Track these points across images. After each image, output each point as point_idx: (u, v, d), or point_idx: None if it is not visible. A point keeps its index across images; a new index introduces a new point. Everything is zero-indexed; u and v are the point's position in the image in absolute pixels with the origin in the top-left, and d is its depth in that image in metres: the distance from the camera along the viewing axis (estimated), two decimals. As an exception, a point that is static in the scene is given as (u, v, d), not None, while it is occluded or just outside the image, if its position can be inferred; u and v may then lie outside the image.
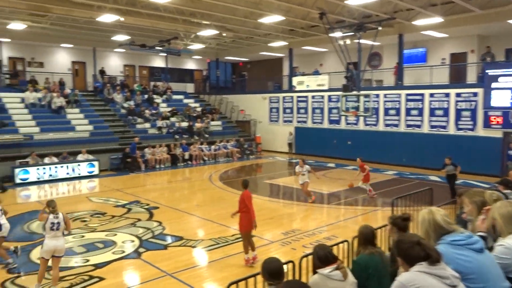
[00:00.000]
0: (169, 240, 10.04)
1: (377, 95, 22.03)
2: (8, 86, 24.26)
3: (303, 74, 27.23)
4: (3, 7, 17.72)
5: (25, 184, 17.28)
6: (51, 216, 7.14)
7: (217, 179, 18.40)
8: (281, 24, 21.94)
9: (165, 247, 9.55)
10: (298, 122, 26.66)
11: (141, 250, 9.28)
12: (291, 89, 26.33)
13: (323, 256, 3.95)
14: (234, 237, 9.95)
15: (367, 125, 22.95)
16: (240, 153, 25.09)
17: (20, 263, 8.52)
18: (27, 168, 17.59)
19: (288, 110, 27.32)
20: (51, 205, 7.24)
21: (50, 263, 7.29)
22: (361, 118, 22.79)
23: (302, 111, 26.44)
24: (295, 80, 25.37)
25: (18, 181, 17.20)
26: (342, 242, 6.57)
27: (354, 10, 18.73)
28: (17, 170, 17.32)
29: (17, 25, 20.60)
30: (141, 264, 8.53)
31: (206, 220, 11.86)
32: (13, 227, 10.93)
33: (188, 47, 26.63)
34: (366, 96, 18.48)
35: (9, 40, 24.49)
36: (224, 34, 24.04)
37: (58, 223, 7.15)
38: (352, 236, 6.57)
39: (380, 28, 18.18)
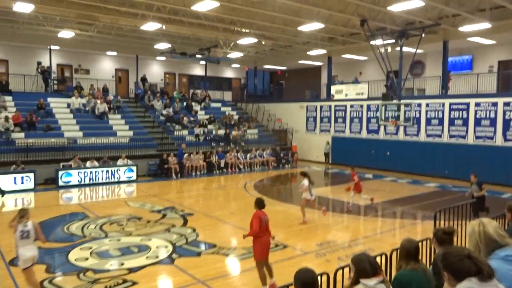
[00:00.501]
0: (202, 247, 10.01)
1: (419, 104, 21.30)
2: (55, 92, 25.39)
3: (342, 83, 26.83)
4: (54, 16, 18.58)
5: (67, 186, 17.87)
6: (20, 225, 6.99)
7: (251, 188, 18.32)
8: (320, 32, 21.74)
9: (198, 254, 9.53)
10: (336, 131, 26.24)
11: (174, 256, 9.29)
12: (329, 97, 25.99)
13: (370, 264, 3.56)
14: (267, 247, 9.79)
15: (407, 135, 22.21)
16: (275, 162, 24.94)
17: (58, 263, 8.73)
18: (69, 171, 18.21)
19: (325, 119, 26.95)
20: (20, 214, 7.04)
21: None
22: (401, 128, 22.10)
23: (340, 120, 26.00)
24: (333, 88, 25.04)
25: (61, 183, 17.82)
26: (379, 255, 6.27)
27: (396, 17, 18.27)
28: (60, 173, 17.96)
29: (66, 33, 21.53)
30: (174, 270, 8.52)
31: (239, 228, 11.75)
32: (53, 228, 11.34)
33: (227, 56, 26.91)
34: (407, 105, 17.90)
35: (58, 47, 25.65)
36: (263, 42, 24.13)
37: (28, 231, 6.97)
38: (389, 249, 6.28)
39: (423, 35, 17.62)
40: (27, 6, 16.15)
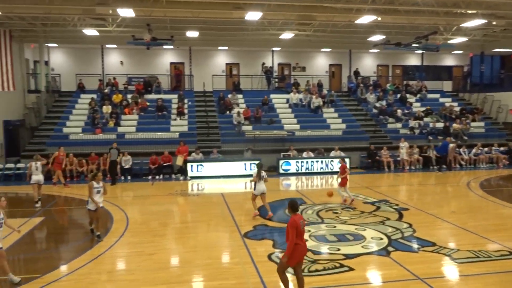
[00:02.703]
0: (419, 243, 9.51)
1: None
2: (276, 89, 28.05)
3: None
4: (277, 20, 20.50)
5: (286, 174, 19.57)
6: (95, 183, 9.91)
7: (477, 187, 16.34)
8: None
9: (416, 250, 9.10)
10: None
11: (390, 249, 9.12)
12: None
13: None
14: (498, 253, 8.65)
15: None
16: (508, 159, 21.55)
17: (282, 241, 9.67)
18: (289, 160, 19.89)
19: None
20: (92, 176, 10.11)
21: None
22: None
23: None
24: None
25: (281, 171, 19.64)
26: None
27: None
28: (281, 162, 19.82)
29: (286, 35, 23.47)
30: (389, 262, 8.38)
31: (462, 229, 10.69)
32: (276, 210, 12.60)
33: (448, 42, 24.57)
34: None
35: (279, 48, 28.24)
36: (493, 23, 21.08)
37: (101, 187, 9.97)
38: None
39: None
40: (256, 14, 18.29)
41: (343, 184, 13.57)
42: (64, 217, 13.10)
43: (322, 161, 20.09)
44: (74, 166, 18.47)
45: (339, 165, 14.77)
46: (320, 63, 30.26)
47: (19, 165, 18.75)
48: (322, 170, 19.93)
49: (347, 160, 19.29)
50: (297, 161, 19.93)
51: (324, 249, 9.15)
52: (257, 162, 13.13)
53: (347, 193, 13.61)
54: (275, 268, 8.02)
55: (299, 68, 30.06)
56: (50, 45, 25.68)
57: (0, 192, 16.60)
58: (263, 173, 11.91)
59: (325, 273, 7.82)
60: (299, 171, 19.79)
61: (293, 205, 6.71)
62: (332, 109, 25.17)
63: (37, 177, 13.69)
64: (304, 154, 20.26)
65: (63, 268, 8.34)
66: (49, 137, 20.73)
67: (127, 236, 10.37)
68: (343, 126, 23.38)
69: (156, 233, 10.74)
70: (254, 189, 11.88)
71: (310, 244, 9.40)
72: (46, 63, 25.21)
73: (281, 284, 6.78)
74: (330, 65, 30.48)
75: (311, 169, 19.88)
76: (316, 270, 7.92)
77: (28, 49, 24.87)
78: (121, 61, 27.57)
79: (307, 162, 19.95)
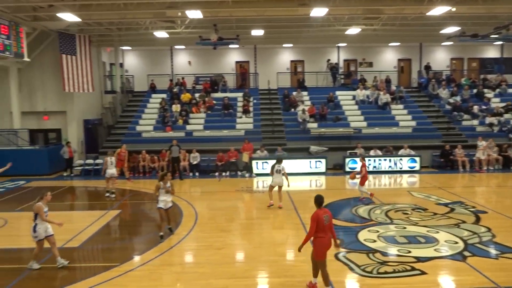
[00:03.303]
0: (500, 249, 8.85)
1: None
2: (342, 85, 27.50)
3: None
4: (343, 15, 20.07)
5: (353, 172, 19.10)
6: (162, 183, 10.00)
7: None
8: None
9: (496, 256, 8.49)
10: None
11: (466, 253, 8.59)
12: None
13: None
14: None
15: None
16: None
17: (348, 240, 9.49)
18: (355, 158, 19.42)
19: None
20: (161, 176, 10.21)
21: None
22: None
23: None
24: None
25: (347, 169, 19.22)
26: None
27: None
28: (347, 159, 19.40)
29: (353, 30, 22.91)
30: (466, 268, 7.89)
31: (550, 235, 9.80)
32: (342, 209, 12.40)
33: (531, 31, 22.58)
34: None
35: (345, 44, 27.65)
36: None
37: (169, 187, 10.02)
38: None
39: None
40: (322, 10, 18.03)
41: (362, 183, 13.58)
42: (138, 210, 13.85)
43: (390, 160, 19.39)
44: (147, 162, 19.44)
45: (359, 164, 14.71)
46: (388, 58, 29.23)
47: (97, 161, 20.11)
48: (390, 169, 19.24)
49: (417, 158, 18.54)
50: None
51: (394, 250, 8.82)
52: (277, 158, 13.66)
53: (365, 190, 13.67)
54: (342, 268, 7.93)
55: (366, 63, 29.26)
56: (124, 48, 27.24)
57: (80, 186, 17.99)
58: (280, 167, 12.68)
59: (395, 276, 7.55)
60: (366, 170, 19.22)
61: (317, 199, 6.99)
62: (401, 106, 24.18)
63: (111, 171, 14.77)
64: (372, 152, 19.68)
65: (137, 258, 8.82)
66: (124, 135, 22.01)
67: (196, 230, 10.73)
68: (413, 123, 22.38)
69: (223, 228, 11.00)
70: (272, 181, 12.96)
71: (378, 245, 9.15)
72: (121, 65, 26.79)
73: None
74: (399, 59, 29.33)
75: (378, 168, 19.27)
76: (386, 272, 7.68)
77: (104, 53, 26.56)
78: (189, 61, 28.56)
79: (374, 160, 19.36)
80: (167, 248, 9.29)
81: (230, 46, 24.96)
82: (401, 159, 19.34)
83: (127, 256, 8.92)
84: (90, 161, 20.43)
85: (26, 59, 19.33)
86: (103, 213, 12.55)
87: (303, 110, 22.41)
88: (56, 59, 21.01)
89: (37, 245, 8.11)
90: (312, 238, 6.88)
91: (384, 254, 8.60)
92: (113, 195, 14.75)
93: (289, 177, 12.96)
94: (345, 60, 29.41)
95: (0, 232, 10.85)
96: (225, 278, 7.63)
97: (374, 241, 9.45)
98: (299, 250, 7.02)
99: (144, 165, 19.43)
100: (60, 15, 17.28)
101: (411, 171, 19.14)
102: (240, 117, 23.25)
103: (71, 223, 11.14)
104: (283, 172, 12.65)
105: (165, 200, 10.05)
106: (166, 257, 8.81)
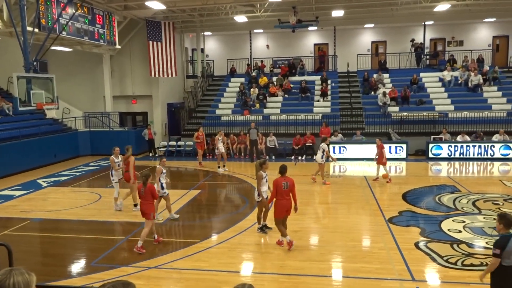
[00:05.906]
0: None
1: None
2: (427, 67, 25.87)
3: None
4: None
5: (437, 159, 18.07)
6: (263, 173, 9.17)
7: None
8: None
9: None
10: None
11: None
12: None
13: None
14: None
15: None
16: None
17: (431, 229, 9.05)
18: (440, 144, 18.31)
19: None
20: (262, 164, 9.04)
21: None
22: None
23: None
24: None
25: (430, 155, 18.22)
26: None
27: None
28: (431, 145, 18.36)
29: (442, 7, 21.35)
30: None
31: None
32: (424, 197, 11.83)
33: None
34: None
35: (431, 22, 25.85)
36: None
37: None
38: None
39: None
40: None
41: (384, 164, 13.94)
42: (218, 191, 14.39)
43: (480, 146, 17.99)
44: (234, 145, 19.99)
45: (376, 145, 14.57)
46: (481, 36, 26.84)
47: (179, 143, 21.14)
48: (479, 156, 17.87)
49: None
50: (449, 145, 18.22)
51: (482, 243, 8.25)
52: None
53: (385, 171, 13.97)
54: (423, 257, 7.61)
55: (455, 42, 27.15)
56: (205, 33, 28.06)
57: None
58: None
59: (483, 269, 7.06)
60: (452, 156, 18.08)
61: (280, 168, 8.25)
62: (495, 87, 22.19)
63: (222, 149, 16.91)
64: (459, 138, 18.40)
65: (216, 236, 9.21)
66: (204, 118, 22.86)
67: (272, 212, 10.88)
68: (508, 106, 20.47)
69: (299, 211, 11.01)
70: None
71: (464, 235, 8.62)
72: (202, 50, 27.65)
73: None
74: (494, 37, 26.81)
75: (466, 155, 17.99)
76: (472, 265, 7.23)
77: (187, 38, 27.59)
78: (267, 45, 28.66)
79: (461, 146, 18.09)
80: (244, 228, 9.58)
81: (309, 28, 24.58)
82: (493, 146, 17.85)
83: (207, 234, 9.37)
84: (173, 142, 21.55)
85: (117, 46, 20.76)
86: (185, 192, 13.23)
87: (384, 93, 21.51)
88: (143, 46, 22.31)
89: (166, 200, 10.12)
90: (274, 200, 8.20)
91: (471, 245, 8.08)
92: (221, 170, 16.73)
93: (368, 162, 12.64)
94: (431, 39, 27.55)
95: (96, 206, 11.95)
96: (301, 260, 7.70)
97: (460, 231, 8.90)
98: (266, 206, 9.02)
99: (231, 147, 19.96)
100: (148, 3, 18.24)
101: (504, 159, 17.61)
102: (318, 101, 22.95)
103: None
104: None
105: (267, 191, 9.03)
106: (243, 236, 9.10)
